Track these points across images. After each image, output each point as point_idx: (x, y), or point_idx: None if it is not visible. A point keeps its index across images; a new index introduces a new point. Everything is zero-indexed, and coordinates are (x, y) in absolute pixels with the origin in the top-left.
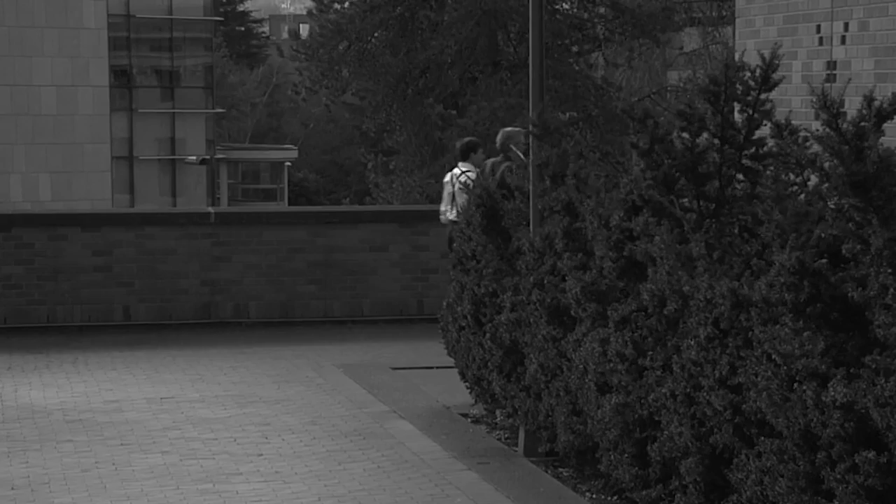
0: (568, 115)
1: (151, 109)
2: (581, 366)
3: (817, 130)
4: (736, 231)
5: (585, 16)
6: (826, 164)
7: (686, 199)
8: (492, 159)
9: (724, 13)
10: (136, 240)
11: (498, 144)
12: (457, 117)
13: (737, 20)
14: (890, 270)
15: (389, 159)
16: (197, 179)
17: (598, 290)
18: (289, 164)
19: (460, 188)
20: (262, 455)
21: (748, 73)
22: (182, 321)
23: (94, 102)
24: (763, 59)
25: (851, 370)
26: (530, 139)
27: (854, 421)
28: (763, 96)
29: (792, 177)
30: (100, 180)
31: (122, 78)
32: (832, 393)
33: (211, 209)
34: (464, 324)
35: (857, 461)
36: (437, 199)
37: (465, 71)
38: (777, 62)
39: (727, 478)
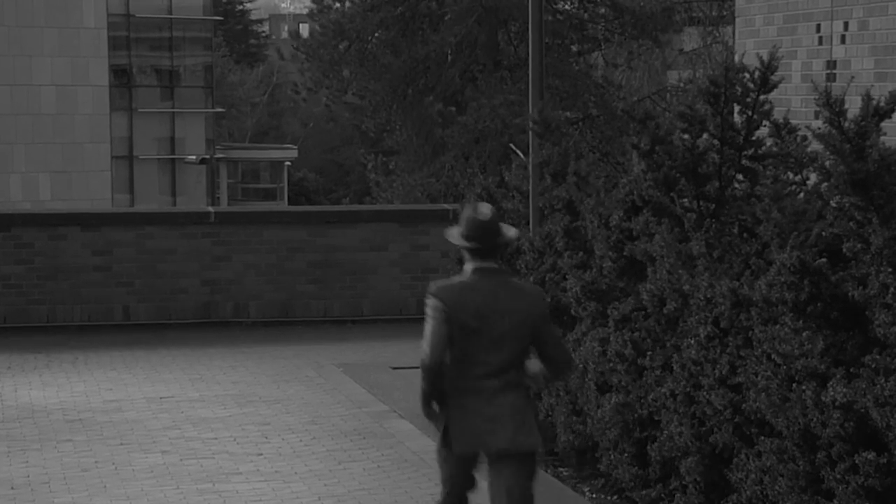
0: (566, 114)
1: (151, 109)
2: (581, 365)
3: (818, 129)
4: (736, 231)
5: (585, 16)
6: (827, 163)
7: (686, 200)
8: None
9: (724, 13)
10: (135, 239)
11: None
12: (457, 115)
13: (737, 19)
14: (890, 269)
15: (389, 159)
16: (197, 179)
17: (598, 289)
18: (288, 163)
19: None
20: (261, 454)
21: (747, 75)
22: (182, 321)
23: (93, 102)
24: (762, 61)
25: (851, 370)
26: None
27: (854, 421)
28: (762, 97)
29: (791, 176)
30: (99, 180)
31: (121, 77)
32: (832, 393)
33: (211, 209)
34: None
35: (856, 461)
36: (437, 198)
37: (465, 69)
38: (775, 64)
39: (727, 477)
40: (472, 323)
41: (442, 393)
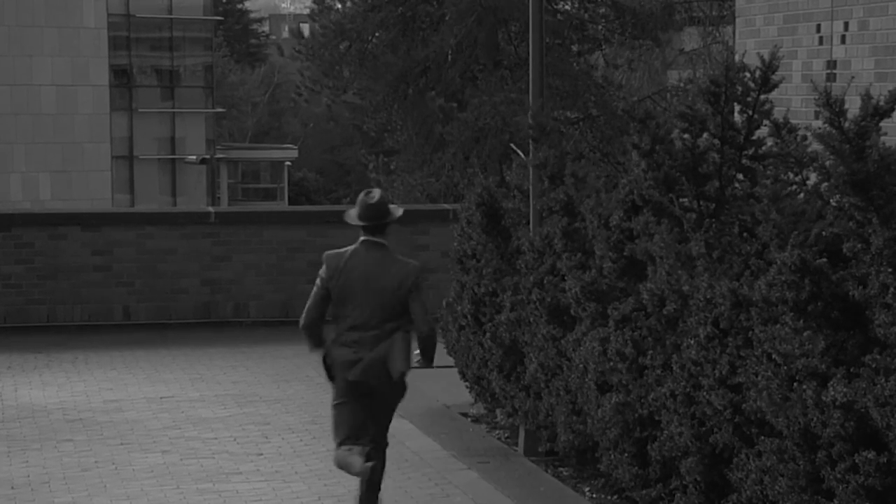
0: (566, 114)
1: (151, 109)
2: (581, 365)
3: (818, 129)
4: (735, 231)
5: (586, 15)
6: (827, 163)
7: (686, 199)
8: None
9: (725, 13)
10: (136, 239)
11: None
12: (458, 111)
13: (737, 19)
14: (890, 269)
15: (390, 159)
16: (197, 179)
17: (597, 289)
18: (289, 163)
19: None
20: (262, 454)
21: (748, 75)
22: (182, 321)
23: (93, 102)
24: (763, 60)
25: (851, 369)
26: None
27: (854, 420)
28: (763, 97)
29: (791, 176)
30: (100, 180)
31: (122, 77)
32: (832, 392)
33: (211, 209)
34: (464, 323)
35: (856, 461)
36: (437, 198)
37: (465, 69)
38: (776, 63)
39: (727, 477)
40: (348, 285)
41: (321, 339)
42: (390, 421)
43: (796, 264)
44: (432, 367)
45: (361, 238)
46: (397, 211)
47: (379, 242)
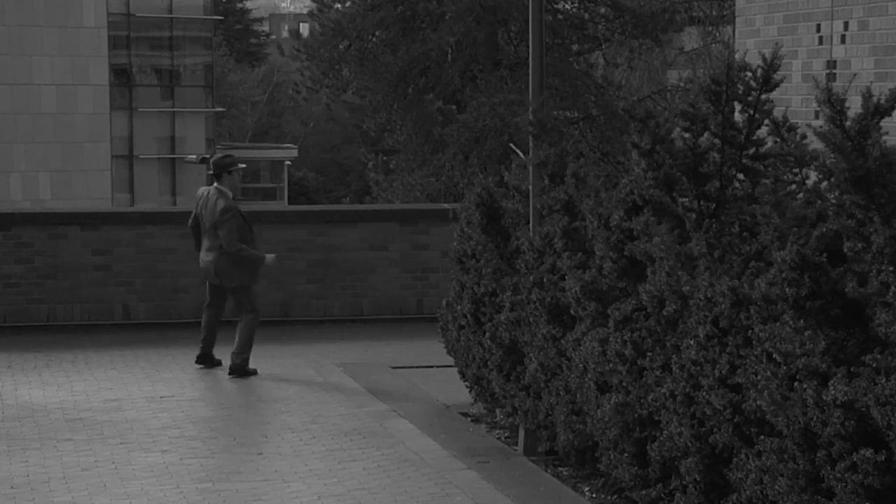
0: (566, 114)
1: (151, 108)
2: (581, 365)
3: (819, 127)
4: (736, 230)
5: (586, 15)
6: (828, 161)
7: (687, 199)
8: None
9: (725, 12)
10: (135, 239)
11: None
12: (456, 113)
13: (737, 19)
14: (892, 268)
15: (390, 158)
16: (197, 178)
17: (597, 289)
18: (289, 162)
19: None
20: (261, 454)
21: (749, 74)
22: (182, 320)
23: (93, 101)
24: (764, 59)
25: (852, 369)
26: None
27: (854, 419)
28: (764, 96)
29: (791, 176)
30: (99, 179)
31: (122, 77)
32: (832, 391)
33: None
34: (463, 323)
35: (856, 460)
36: (437, 198)
37: (465, 69)
38: (778, 62)
39: (727, 477)
40: (199, 215)
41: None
42: (245, 294)
43: (795, 261)
44: (265, 260)
45: (214, 184)
46: (234, 166)
47: (217, 187)
